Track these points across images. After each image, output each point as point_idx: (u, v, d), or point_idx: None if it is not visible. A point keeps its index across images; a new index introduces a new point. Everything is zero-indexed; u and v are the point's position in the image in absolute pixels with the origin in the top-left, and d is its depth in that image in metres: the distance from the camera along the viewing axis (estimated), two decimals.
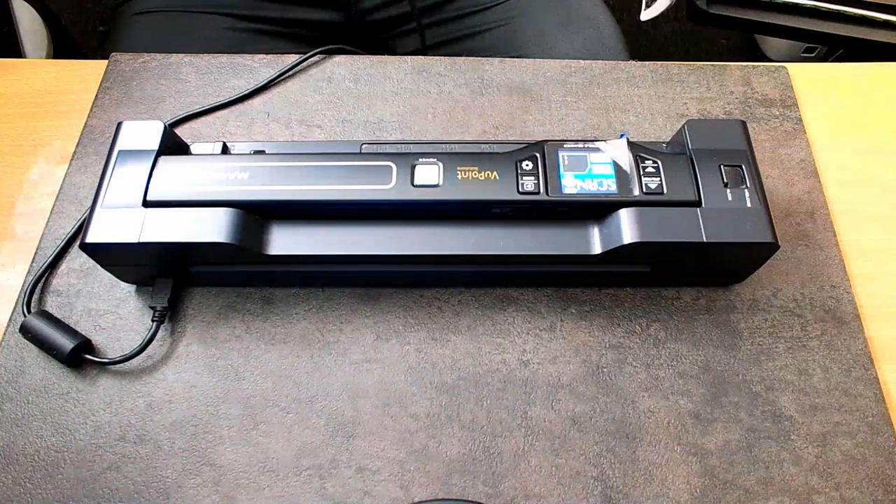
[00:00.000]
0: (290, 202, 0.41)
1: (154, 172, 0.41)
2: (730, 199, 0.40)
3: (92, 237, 0.39)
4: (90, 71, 0.55)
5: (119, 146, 0.42)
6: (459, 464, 0.40)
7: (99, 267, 0.43)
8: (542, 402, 0.42)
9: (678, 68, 0.55)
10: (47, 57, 1.07)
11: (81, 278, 0.46)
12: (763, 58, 1.42)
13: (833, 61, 0.69)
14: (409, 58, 0.56)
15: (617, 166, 0.41)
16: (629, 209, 0.40)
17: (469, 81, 0.55)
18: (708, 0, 0.74)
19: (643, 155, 0.42)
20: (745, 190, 0.40)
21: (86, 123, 0.52)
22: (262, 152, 0.45)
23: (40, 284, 0.45)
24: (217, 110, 0.53)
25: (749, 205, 0.40)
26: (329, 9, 0.72)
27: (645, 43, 1.46)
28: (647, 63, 0.56)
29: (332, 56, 0.56)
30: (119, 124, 0.43)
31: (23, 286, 0.45)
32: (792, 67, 0.56)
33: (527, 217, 0.41)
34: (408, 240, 0.41)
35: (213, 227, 0.39)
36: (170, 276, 0.44)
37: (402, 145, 0.47)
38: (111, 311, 0.45)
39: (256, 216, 0.41)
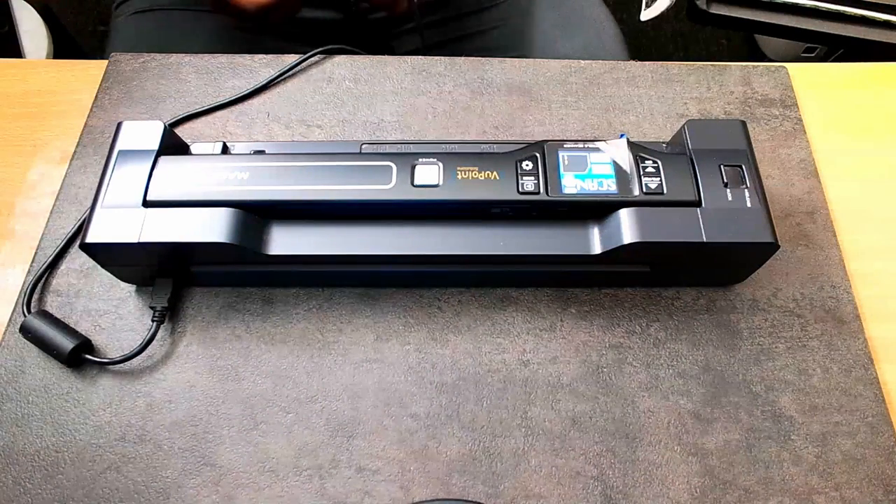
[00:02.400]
0: (290, 202, 0.41)
1: (154, 172, 0.41)
2: (730, 199, 0.40)
3: (92, 237, 0.39)
4: (90, 71, 0.55)
5: (119, 146, 0.42)
6: (459, 464, 0.40)
7: (99, 267, 0.43)
8: (542, 402, 0.42)
9: (678, 68, 0.55)
10: (47, 57, 1.07)
11: (81, 278, 0.46)
12: (763, 58, 1.42)
13: (833, 61, 0.69)
14: (409, 58, 0.56)
15: (617, 166, 0.41)
16: (629, 209, 0.40)
17: (469, 81, 0.55)
18: (708, 0, 0.74)
19: (643, 155, 0.42)
20: (745, 190, 0.40)
21: (86, 123, 0.52)
22: (262, 152, 0.45)
23: (40, 284, 0.45)
24: (217, 110, 0.53)
25: (749, 205, 0.40)
26: (328, 8, 0.72)
27: (645, 43, 1.46)
28: (647, 63, 0.56)
29: (332, 56, 0.56)
30: (119, 124, 0.43)
31: (23, 286, 0.45)
32: (792, 67, 0.56)
33: (527, 217, 0.41)
34: (408, 240, 0.41)
35: (213, 227, 0.39)
36: (170, 276, 0.44)
37: (402, 145, 0.48)
38: (111, 311, 0.45)
39: (256, 216, 0.41)
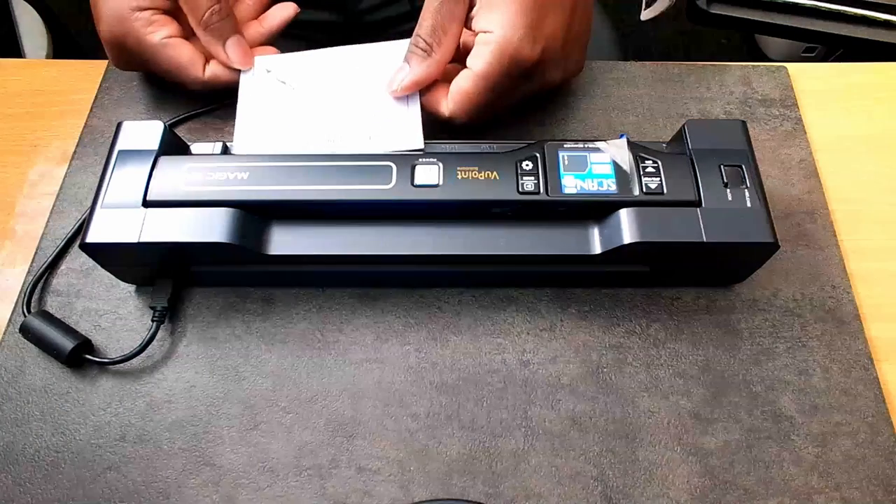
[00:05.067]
0: (290, 202, 0.41)
1: (154, 172, 0.41)
2: (730, 199, 0.40)
3: (92, 237, 0.39)
4: (90, 71, 0.55)
5: (119, 146, 0.42)
6: (459, 464, 0.40)
7: (99, 267, 0.43)
8: (542, 402, 0.42)
9: (678, 68, 0.55)
10: (47, 57, 1.07)
11: (81, 278, 0.46)
12: (763, 58, 1.42)
13: (833, 61, 0.69)
14: None
15: (617, 166, 0.41)
16: (629, 209, 0.40)
17: None
18: (708, 0, 0.74)
19: (643, 155, 0.42)
20: (745, 190, 0.40)
21: (86, 123, 0.52)
22: None
23: (40, 284, 0.45)
24: (217, 110, 0.53)
25: (749, 205, 0.40)
26: (326, 9, 0.72)
27: (645, 43, 1.47)
28: (647, 63, 0.56)
29: None
30: (119, 124, 0.43)
31: (23, 286, 0.45)
32: (792, 67, 0.56)
33: (527, 217, 0.41)
34: (408, 240, 0.41)
35: (213, 227, 0.39)
36: (170, 276, 0.44)
37: None
38: (111, 311, 0.45)
39: (256, 216, 0.41)
